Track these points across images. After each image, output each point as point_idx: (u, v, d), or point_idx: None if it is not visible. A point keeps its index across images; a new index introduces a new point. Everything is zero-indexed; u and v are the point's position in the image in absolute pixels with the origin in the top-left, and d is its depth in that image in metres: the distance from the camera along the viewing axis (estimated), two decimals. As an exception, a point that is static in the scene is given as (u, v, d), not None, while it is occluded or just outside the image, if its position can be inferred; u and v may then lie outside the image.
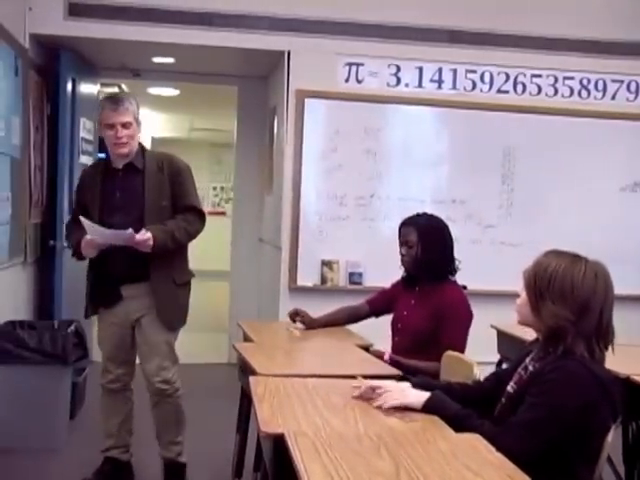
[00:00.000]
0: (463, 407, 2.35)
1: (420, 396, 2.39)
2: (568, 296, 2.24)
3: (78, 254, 3.76)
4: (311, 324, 3.93)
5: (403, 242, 3.70)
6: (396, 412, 2.35)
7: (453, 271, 3.71)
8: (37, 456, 3.62)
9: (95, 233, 3.60)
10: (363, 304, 4.01)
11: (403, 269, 3.80)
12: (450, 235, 3.72)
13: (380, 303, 3.96)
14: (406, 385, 2.54)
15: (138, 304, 3.76)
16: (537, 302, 2.30)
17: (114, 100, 3.74)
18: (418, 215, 3.76)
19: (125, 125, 3.66)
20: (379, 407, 2.39)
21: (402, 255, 3.71)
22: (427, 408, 2.35)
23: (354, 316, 4.01)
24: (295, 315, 4.00)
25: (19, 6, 5.11)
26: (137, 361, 3.90)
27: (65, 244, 4.54)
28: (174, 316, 3.82)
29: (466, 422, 2.25)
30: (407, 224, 3.71)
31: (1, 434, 4.37)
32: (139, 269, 3.71)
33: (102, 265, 3.75)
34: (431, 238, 3.64)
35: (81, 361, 4.60)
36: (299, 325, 3.92)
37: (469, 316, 3.62)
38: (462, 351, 3.45)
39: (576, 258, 2.30)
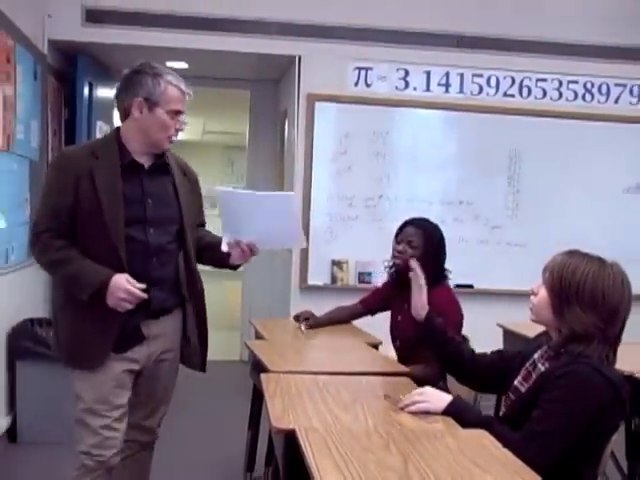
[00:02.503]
0: (482, 414, 2.34)
1: (440, 400, 2.35)
2: (599, 303, 2.20)
3: (94, 296, 2.59)
4: (315, 325, 3.92)
5: (406, 240, 3.61)
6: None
7: (443, 279, 3.65)
8: (56, 450, 3.70)
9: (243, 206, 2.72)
10: (356, 304, 4.02)
11: (393, 267, 3.74)
12: (446, 248, 3.69)
13: (373, 302, 3.96)
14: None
15: (164, 343, 2.85)
16: (562, 305, 2.25)
17: (181, 82, 2.79)
18: (425, 220, 3.71)
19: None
20: (402, 408, 2.36)
21: (399, 252, 3.62)
22: (447, 413, 2.30)
23: (351, 315, 4.04)
24: (298, 319, 3.99)
25: (38, 13, 5.22)
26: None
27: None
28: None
29: (487, 429, 2.17)
30: (416, 225, 3.65)
31: (21, 429, 4.49)
32: (172, 297, 2.86)
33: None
34: (435, 246, 3.62)
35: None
36: (304, 328, 3.89)
37: (459, 317, 3.52)
38: None
39: (601, 262, 2.26)
